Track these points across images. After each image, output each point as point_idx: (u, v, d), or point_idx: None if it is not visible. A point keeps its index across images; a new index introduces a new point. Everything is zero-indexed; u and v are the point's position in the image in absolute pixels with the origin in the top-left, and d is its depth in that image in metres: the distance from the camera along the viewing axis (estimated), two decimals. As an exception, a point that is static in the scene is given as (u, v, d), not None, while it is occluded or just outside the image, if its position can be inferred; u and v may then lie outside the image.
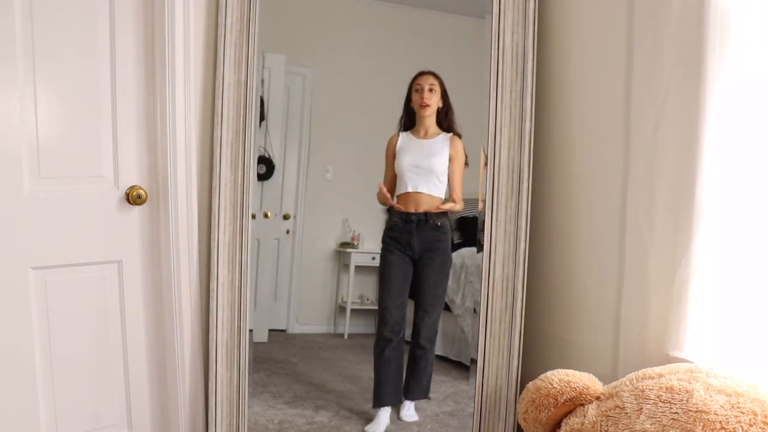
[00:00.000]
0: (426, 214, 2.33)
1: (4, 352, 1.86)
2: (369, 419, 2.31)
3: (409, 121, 2.42)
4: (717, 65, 1.61)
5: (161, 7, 1.98)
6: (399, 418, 2.35)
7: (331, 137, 2.77)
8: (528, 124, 2.18)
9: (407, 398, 2.38)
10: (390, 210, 2.42)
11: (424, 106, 2.37)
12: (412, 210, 2.34)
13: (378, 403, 2.35)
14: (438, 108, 2.39)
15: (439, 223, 2.34)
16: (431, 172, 2.36)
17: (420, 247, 2.35)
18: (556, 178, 2.23)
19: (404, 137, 2.41)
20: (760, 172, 1.59)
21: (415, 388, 2.39)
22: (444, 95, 2.39)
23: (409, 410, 2.37)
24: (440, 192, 2.35)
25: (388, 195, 2.36)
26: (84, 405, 2.04)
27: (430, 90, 2.37)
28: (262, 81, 2.50)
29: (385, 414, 2.33)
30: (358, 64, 2.73)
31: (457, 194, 2.35)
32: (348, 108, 2.75)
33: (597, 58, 2.06)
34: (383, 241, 2.40)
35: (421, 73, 2.40)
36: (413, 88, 2.40)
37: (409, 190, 2.35)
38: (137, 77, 2.03)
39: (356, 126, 2.73)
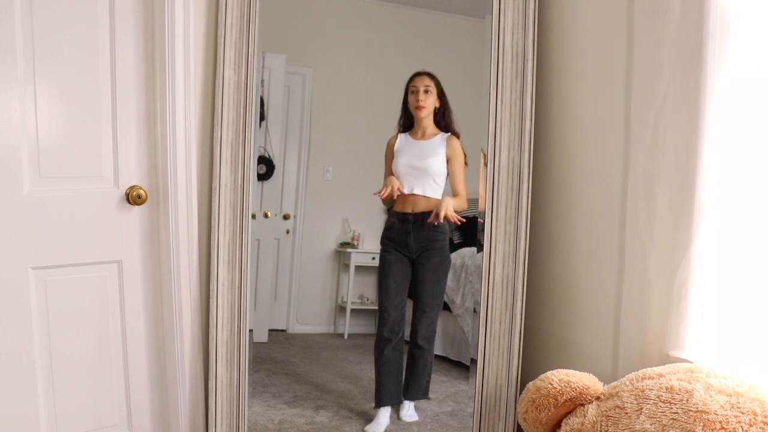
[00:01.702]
0: (422, 214, 2.33)
1: (4, 352, 1.86)
2: (369, 419, 2.31)
3: (408, 121, 2.42)
4: (717, 65, 1.61)
5: (161, 7, 1.98)
6: (399, 418, 2.35)
7: (331, 137, 2.77)
8: (528, 124, 2.18)
9: (406, 398, 2.38)
10: (389, 211, 2.42)
11: (420, 107, 2.37)
12: (409, 210, 2.35)
13: (379, 403, 2.35)
14: (435, 108, 2.38)
15: (436, 223, 2.34)
16: (427, 173, 2.35)
17: (417, 246, 2.35)
18: (556, 178, 2.23)
19: (402, 138, 2.41)
20: (760, 171, 1.59)
21: (414, 388, 2.39)
22: (441, 95, 2.38)
23: (408, 410, 2.37)
24: (436, 193, 2.35)
25: (396, 187, 2.35)
26: (84, 405, 2.04)
27: (426, 91, 2.37)
28: (262, 81, 2.50)
29: (385, 414, 2.33)
30: (358, 64, 2.73)
31: (461, 192, 2.34)
32: (348, 108, 2.75)
33: (597, 58, 2.06)
34: (381, 242, 2.41)
35: (417, 74, 2.40)
36: (409, 89, 2.40)
37: (405, 191, 2.35)
38: (137, 77, 2.03)
39: (356, 126, 2.73)
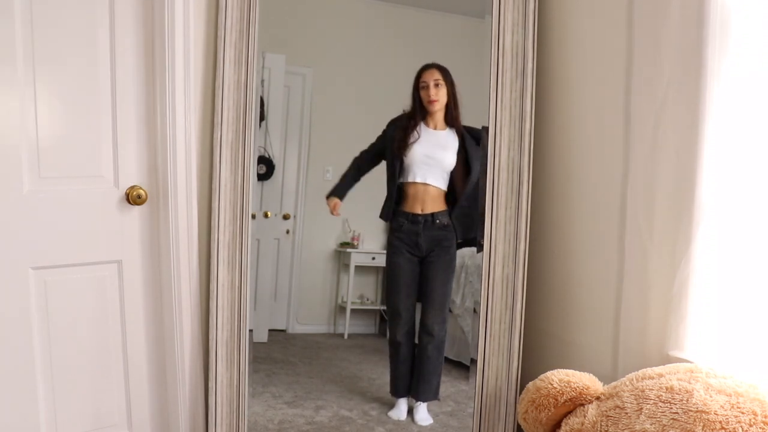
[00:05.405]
0: (432, 214, 2.35)
1: (4, 352, 1.86)
2: (369, 419, 2.32)
3: (422, 111, 2.40)
4: (717, 65, 1.61)
5: (161, 7, 1.98)
6: (414, 421, 2.34)
7: (331, 137, 2.77)
8: (528, 124, 2.18)
9: (418, 400, 2.37)
10: (395, 212, 2.41)
11: (432, 102, 2.37)
12: (418, 211, 2.37)
13: (396, 394, 2.39)
14: (446, 102, 2.38)
15: (445, 223, 2.37)
16: (441, 165, 2.38)
17: (427, 246, 2.36)
18: (556, 178, 2.23)
19: (421, 127, 2.41)
20: (760, 172, 1.59)
21: (424, 389, 2.39)
22: (451, 87, 2.38)
23: (422, 413, 2.35)
24: (445, 185, 2.37)
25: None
26: (84, 405, 2.04)
27: (436, 85, 2.37)
28: (262, 81, 2.50)
29: (403, 401, 2.37)
30: (358, 64, 2.73)
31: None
32: (348, 108, 2.75)
33: (597, 58, 2.06)
34: (391, 243, 2.42)
35: (425, 68, 2.39)
36: (419, 85, 2.40)
37: (417, 180, 2.36)
38: (137, 77, 2.03)
39: (356, 126, 2.73)
